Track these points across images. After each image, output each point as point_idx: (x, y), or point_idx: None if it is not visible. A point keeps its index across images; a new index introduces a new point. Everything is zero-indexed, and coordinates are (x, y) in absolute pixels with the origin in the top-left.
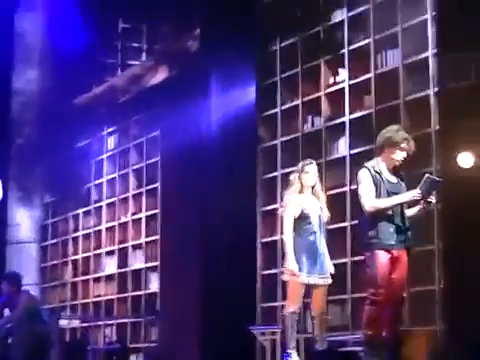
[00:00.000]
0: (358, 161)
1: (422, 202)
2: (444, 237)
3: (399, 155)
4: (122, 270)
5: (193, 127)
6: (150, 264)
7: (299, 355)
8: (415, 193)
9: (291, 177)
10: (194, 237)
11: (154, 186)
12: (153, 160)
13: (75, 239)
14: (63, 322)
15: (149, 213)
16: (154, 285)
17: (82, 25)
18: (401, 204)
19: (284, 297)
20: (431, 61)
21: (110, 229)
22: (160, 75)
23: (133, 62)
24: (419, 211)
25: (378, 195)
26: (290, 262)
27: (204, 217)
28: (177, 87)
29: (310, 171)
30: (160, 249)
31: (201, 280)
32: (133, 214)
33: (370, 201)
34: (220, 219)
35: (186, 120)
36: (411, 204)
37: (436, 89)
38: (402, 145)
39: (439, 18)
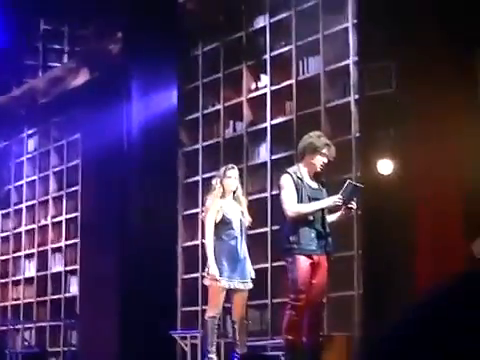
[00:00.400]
0: (279, 166)
1: (343, 208)
2: (363, 243)
3: (320, 161)
4: (41, 273)
5: (114, 130)
6: (70, 267)
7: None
8: (336, 199)
9: (213, 182)
10: (114, 240)
11: (74, 189)
12: (74, 163)
13: None
14: None
15: (69, 216)
16: (74, 288)
17: (2, 25)
18: (322, 209)
19: (205, 301)
20: (352, 69)
21: (29, 232)
22: (81, 77)
23: (54, 64)
24: (340, 217)
25: (299, 200)
26: (211, 267)
27: (124, 221)
28: (98, 90)
29: (232, 176)
30: (80, 252)
31: (121, 284)
32: (53, 217)
33: (292, 206)
34: (140, 223)
35: (107, 123)
36: (332, 210)
37: (356, 96)
38: (323, 151)
39: (359, 26)
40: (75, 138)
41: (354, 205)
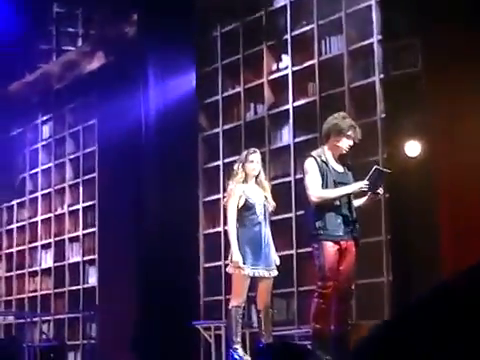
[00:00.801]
0: (302, 150)
1: (370, 193)
2: (391, 228)
3: (345, 143)
4: (59, 264)
5: (131, 115)
6: (88, 257)
7: (245, 350)
8: (363, 184)
9: (234, 166)
10: (132, 229)
11: (91, 176)
12: (90, 149)
13: (9, 232)
14: None
15: (86, 204)
16: (92, 279)
17: (15, 10)
18: (348, 195)
19: (228, 290)
20: (376, 47)
21: (46, 221)
22: (96, 61)
23: (68, 48)
24: (366, 202)
25: (325, 185)
26: (234, 254)
27: (143, 208)
28: (114, 74)
29: (254, 160)
30: (98, 242)
31: (141, 274)
32: (69, 205)
33: (316, 191)
34: (159, 210)
35: (124, 108)
36: (359, 194)
37: (381, 76)
38: (348, 133)
39: (383, 3)
40: (91, 124)
41: (381, 191)
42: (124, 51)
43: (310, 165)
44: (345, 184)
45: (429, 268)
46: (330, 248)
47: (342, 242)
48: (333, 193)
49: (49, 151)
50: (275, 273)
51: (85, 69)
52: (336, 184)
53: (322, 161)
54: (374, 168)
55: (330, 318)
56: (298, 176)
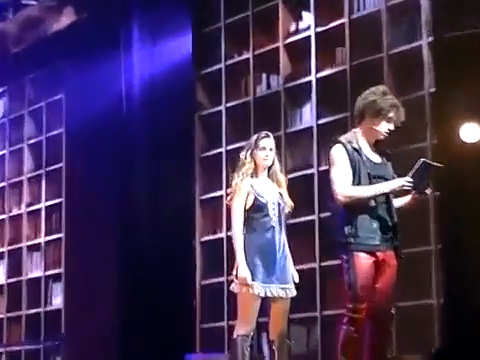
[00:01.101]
0: (328, 134)
1: (414, 192)
2: (443, 235)
3: (384, 126)
4: (13, 280)
5: (109, 89)
6: (52, 271)
7: None
8: (405, 182)
9: (241, 155)
10: (111, 236)
11: (57, 167)
12: (55, 132)
13: None
14: None
15: (50, 203)
16: (57, 300)
17: None
18: (387, 193)
19: (233, 315)
20: (423, 2)
21: None
22: (64, 19)
23: (28, 1)
24: (410, 202)
25: (357, 180)
26: (240, 268)
27: (124, 209)
28: (88, 35)
29: (266, 146)
30: (65, 251)
31: (122, 294)
32: (28, 205)
33: (346, 188)
34: (145, 211)
35: (100, 79)
36: (399, 193)
37: (430, 39)
38: (389, 114)
39: None
40: (57, 99)
41: (428, 190)
42: (101, 5)
43: (338, 154)
44: (383, 178)
45: None
46: (363, 260)
47: (379, 253)
48: (367, 191)
49: (2, 134)
50: (293, 293)
51: (50, 29)
52: (371, 178)
53: (353, 149)
54: (420, 161)
55: (363, 350)
56: (322, 168)
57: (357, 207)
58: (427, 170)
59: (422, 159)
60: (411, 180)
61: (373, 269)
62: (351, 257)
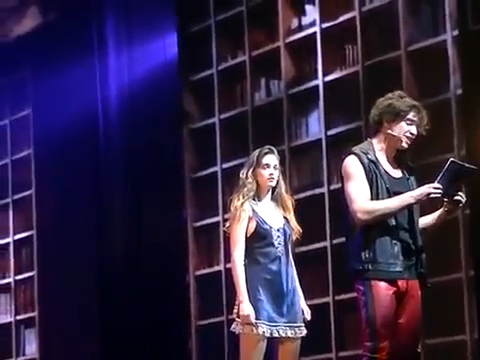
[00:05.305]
0: (339, 146)
1: (444, 203)
2: (476, 260)
3: (405, 131)
4: None
5: (82, 100)
6: (23, 316)
7: None
8: (432, 188)
9: (241, 174)
10: (90, 273)
11: (26, 194)
12: (23, 154)
13: None
14: None
15: (19, 236)
16: (31, 348)
17: None
18: (411, 209)
19: (234, 359)
20: None
21: None
22: (29, 21)
23: None
24: (440, 218)
25: (375, 196)
26: (243, 305)
27: (103, 240)
28: (56, 39)
29: (270, 163)
30: (38, 292)
31: (105, 340)
32: None
33: (365, 204)
34: (129, 242)
35: (71, 90)
36: (425, 210)
37: (455, 33)
38: (409, 115)
39: None
40: (23, 115)
41: (462, 197)
42: (69, 4)
43: (352, 166)
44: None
45: None
46: (383, 291)
47: (401, 282)
48: (390, 203)
49: None
50: (303, 332)
51: (12, 33)
52: (391, 194)
53: (370, 160)
54: (449, 161)
55: None
56: (334, 186)
57: (376, 228)
58: (457, 173)
59: (451, 159)
60: (438, 186)
61: (394, 301)
62: (369, 287)
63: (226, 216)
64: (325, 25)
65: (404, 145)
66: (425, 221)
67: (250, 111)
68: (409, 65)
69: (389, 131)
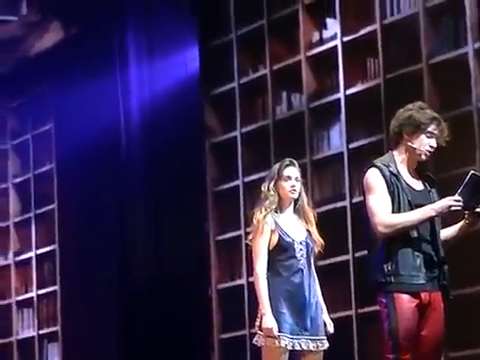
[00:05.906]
0: (361, 159)
1: (465, 215)
2: None
3: (426, 144)
4: (2, 341)
5: (104, 115)
6: (46, 330)
7: None
8: (452, 201)
9: (263, 187)
10: (112, 287)
11: (48, 209)
12: (45, 168)
13: None
14: None
15: (42, 251)
16: None
17: None
18: (432, 221)
19: None
20: (468, 2)
21: None
22: (51, 36)
23: (8, 17)
24: (461, 230)
25: (396, 209)
26: (265, 317)
27: (126, 255)
28: (78, 54)
29: (292, 176)
30: (61, 307)
31: (127, 354)
32: (16, 254)
33: (384, 218)
34: (152, 257)
35: (93, 105)
36: (447, 223)
37: (477, 45)
38: (429, 128)
39: None
40: (45, 130)
41: None
42: (91, 19)
43: (374, 179)
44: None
45: None
46: (406, 303)
47: (423, 294)
48: (411, 216)
49: None
50: (325, 345)
51: (33, 48)
52: (413, 207)
53: (391, 173)
54: (470, 174)
55: None
56: (356, 199)
57: (398, 241)
58: (478, 185)
59: (471, 171)
60: (459, 199)
61: (417, 313)
62: (391, 300)
63: (248, 229)
64: (346, 38)
65: (423, 157)
66: (447, 233)
67: (272, 125)
68: (430, 78)
69: (409, 143)
